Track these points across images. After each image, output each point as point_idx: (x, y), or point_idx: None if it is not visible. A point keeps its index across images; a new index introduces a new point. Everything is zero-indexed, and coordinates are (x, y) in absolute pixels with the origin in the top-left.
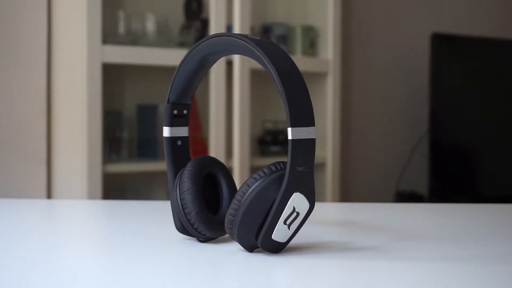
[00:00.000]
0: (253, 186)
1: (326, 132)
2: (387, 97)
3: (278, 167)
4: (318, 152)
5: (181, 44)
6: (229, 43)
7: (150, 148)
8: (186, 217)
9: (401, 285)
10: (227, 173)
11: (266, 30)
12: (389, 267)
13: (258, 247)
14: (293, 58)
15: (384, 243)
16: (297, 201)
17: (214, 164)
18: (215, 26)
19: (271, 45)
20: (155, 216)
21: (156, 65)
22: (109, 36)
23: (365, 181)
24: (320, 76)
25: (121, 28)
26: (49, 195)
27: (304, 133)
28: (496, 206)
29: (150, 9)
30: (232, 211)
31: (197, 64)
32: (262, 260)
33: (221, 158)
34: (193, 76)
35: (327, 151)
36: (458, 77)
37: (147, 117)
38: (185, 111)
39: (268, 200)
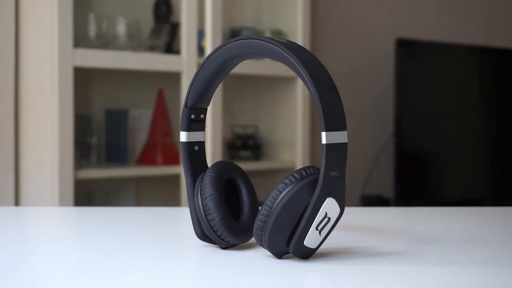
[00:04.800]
0: (284, 192)
1: (295, 135)
2: (353, 101)
3: (309, 172)
4: (286, 156)
5: (151, 48)
6: (255, 46)
7: (119, 153)
8: (209, 224)
9: None
10: (247, 178)
11: (235, 34)
12: (419, 272)
13: (287, 253)
14: (262, 62)
15: (409, 248)
16: (330, 206)
17: (234, 170)
18: (186, 30)
19: (300, 48)
20: (163, 223)
21: (126, 69)
22: (79, 39)
23: None
24: (289, 80)
25: (92, 31)
26: (17, 203)
27: (337, 137)
28: (493, 209)
29: (120, 12)
30: (262, 217)
31: (218, 67)
32: (293, 266)
33: None
34: (213, 80)
35: (297, 155)
36: (422, 82)
37: (116, 122)
38: (202, 116)
39: (300, 206)
